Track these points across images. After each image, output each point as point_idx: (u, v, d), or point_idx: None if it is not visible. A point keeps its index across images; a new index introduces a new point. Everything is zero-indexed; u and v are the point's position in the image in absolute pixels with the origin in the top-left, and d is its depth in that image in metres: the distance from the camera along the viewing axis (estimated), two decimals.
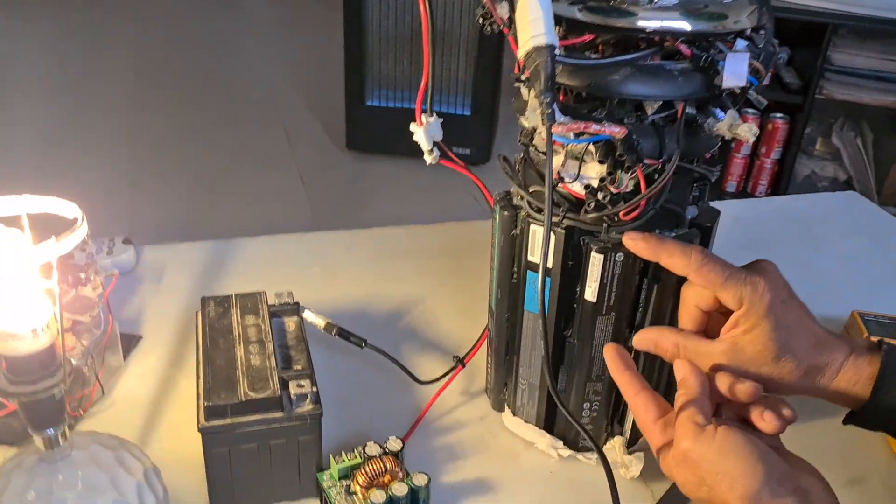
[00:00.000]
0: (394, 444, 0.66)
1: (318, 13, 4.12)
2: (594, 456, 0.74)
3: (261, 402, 0.62)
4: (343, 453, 0.66)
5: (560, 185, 0.63)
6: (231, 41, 4.00)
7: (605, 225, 0.63)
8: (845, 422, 0.62)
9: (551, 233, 0.64)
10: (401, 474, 0.64)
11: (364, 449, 0.66)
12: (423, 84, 0.66)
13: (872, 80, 2.25)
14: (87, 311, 0.72)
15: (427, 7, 0.63)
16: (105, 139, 2.95)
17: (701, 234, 0.66)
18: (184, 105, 3.29)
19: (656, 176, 0.61)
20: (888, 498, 0.73)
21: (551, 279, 0.66)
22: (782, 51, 2.32)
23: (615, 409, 0.73)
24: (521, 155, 0.69)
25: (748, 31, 0.59)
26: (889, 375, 0.58)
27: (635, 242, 0.61)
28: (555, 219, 0.64)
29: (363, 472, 0.63)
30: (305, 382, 0.64)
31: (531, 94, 0.62)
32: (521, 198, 0.68)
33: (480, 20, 0.61)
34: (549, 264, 0.61)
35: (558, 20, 0.58)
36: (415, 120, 0.68)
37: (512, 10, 0.57)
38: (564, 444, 0.74)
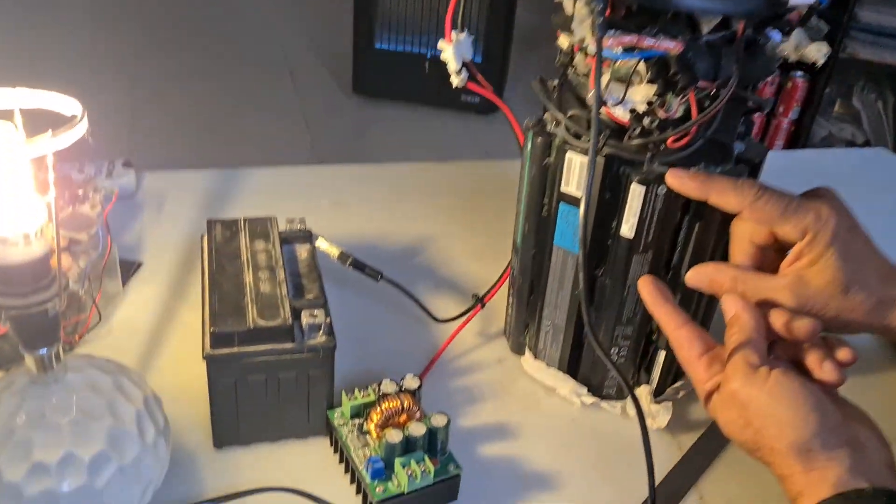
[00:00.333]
0: (411, 382, 0.62)
1: None
2: (619, 404, 0.70)
3: (270, 331, 0.58)
4: (356, 390, 0.62)
5: (601, 109, 0.58)
6: None
7: (648, 154, 0.58)
8: None
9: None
10: (418, 414, 0.60)
11: (379, 386, 0.62)
12: None
13: None
14: (85, 229, 0.68)
15: None
16: (108, 72, 2.87)
17: (749, 170, 0.62)
18: (188, 41, 3.20)
19: (707, 103, 0.56)
20: None
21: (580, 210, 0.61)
22: None
23: (643, 355, 0.68)
24: (556, 81, 0.64)
25: None
26: None
27: (681, 180, 0.57)
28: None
29: (378, 410, 0.59)
30: (319, 312, 0.59)
31: (577, 5, 0.56)
32: (556, 123, 0.63)
33: None
34: (592, 190, 0.56)
35: None
36: (444, 38, 0.63)
37: None
38: (588, 391, 0.70)
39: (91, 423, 0.50)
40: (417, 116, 2.75)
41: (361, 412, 0.62)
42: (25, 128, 0.45)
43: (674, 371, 0.70)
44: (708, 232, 0.61)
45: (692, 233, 0.61)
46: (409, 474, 0.56)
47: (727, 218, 0.62)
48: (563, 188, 0.62)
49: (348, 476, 0.60)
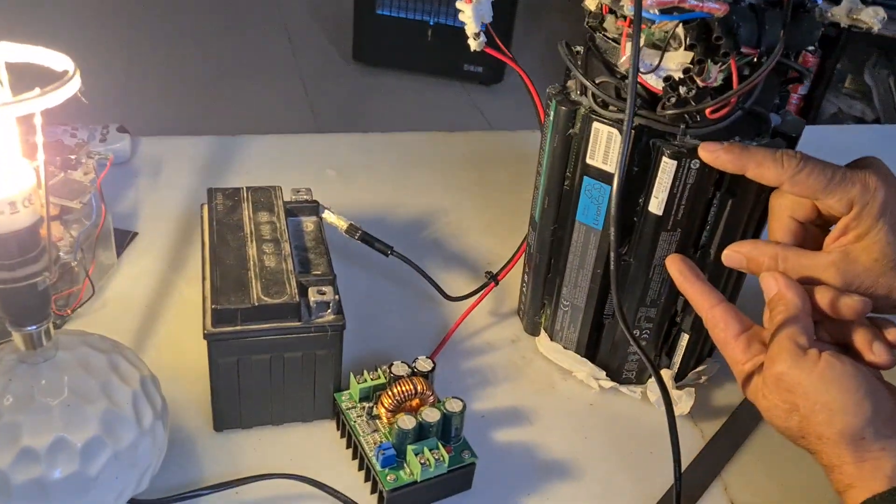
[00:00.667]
0: (424, 364, 0.59)
1: None
2: (638, 389, 0.66)
3: (276, 309, 0.54)
4: (365, 372, 0.59)
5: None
6: None
7: (682, 126, 0.54)
8: None
9: (617, 132, 0.56)
10: (432, 398, 0.56)
11: (390, 368, 0.58)
12: None
13: None
14: (78, 196, 0.64)
15: None
16: (103, 35, 2.80)
17: (787, 144, 0.58)
18: (185, 4, 3.12)
19: (746, 71, 0.53)
20: None
21: (612, 187, 0.57)
22: None
23: (665, 338, 0.65)
24: (582, 47, 0.60)
25: None
26: None
27: (714, 154, 0.53)
28: (621, 116, 0.56)
29: (389, 394, 0.56)
30: (327, 289, 0.56)
31: None
32: (582, 91, 0.59)
33: None
34: (623, 164, 0.52)
35: None
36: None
37: None
38: (607, 375, 0.66)
39: (84, 405, 0.47)
40: (419, 86, 2.69)
41: (371, 395, 0.58)
42: (12, 87, 0.41)
43: (696, 355, 0.67)
44: (741, 209, 0.58)
45: (724, 210, 0.58)
46: (423, 462, 0.53)
47: (762, 194, 0.59)
48: (588, 160, 0.59)
49: (356, 463, 0.57)
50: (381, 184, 0.90)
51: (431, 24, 2.60)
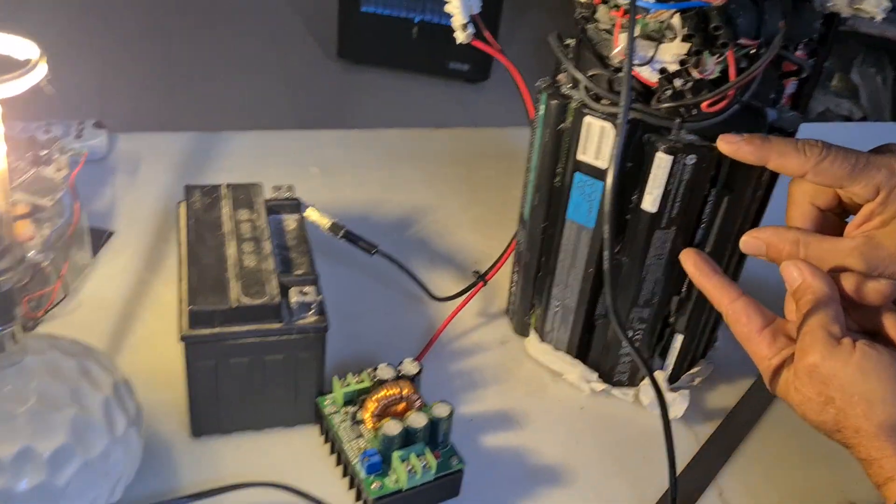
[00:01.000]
0: (410, 367, 0.56)
1: None
2: (631, 391, 0.65)
3: (256, 310, 0.52)
4: (349, 375, 0.57)
5: None
6: None
7: (677, 120, 0.53)
8: None
9: (610, 126, 0.54)
10: (418, 402, 0.54)
11: (375, 371, 0.56)
12: None
13: None
14: (49, 193, 0.61)
15: None
16: (80, 31, 2.76)
17: None
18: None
19: (743, 63, 0.51)
20: None
21: (605, 183, 0.55)
22: None
23: (658, 339, 0.63)
24: (573, 40, 0.58)
25: None
26: None
27: (736, 146, 0.51)
28: (614, 110, 0.54)
29: (374, 398, 0.54)
30: (309, 290, 0.54)
31: None
32: (573, 85, 0.57)
33: None
34: (618, 159, 0.50)
35: None
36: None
37: None
38: (598, 377, 0.65)
39: (52, 412, 0.45)
40: (404, 83, 2.67)
41: (355, 399, 0.56)
42: None
43: (690, 357, 0.65)
44: (737, 206, 0.56)
45: (720, 207, 0.56)
46: (409, 469, 0.51)
47: (759, 191, 0.57)
48: (580, 156, 0.57)
49: (340, 469, 0.55)
50: (365, 181, 0.88)
51: (416, 21, 2.57)
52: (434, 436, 0.53)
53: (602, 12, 0.54)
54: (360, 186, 0.87)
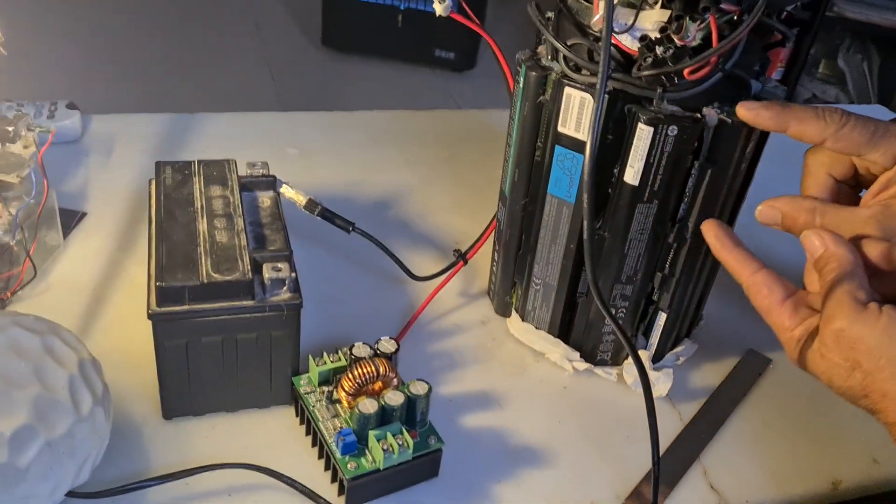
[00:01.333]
0: (387, 346, 0.55)
1: None
2: (614, 370, 0.64)
3: (227, 287, 0.50)
4: (325, 354, 0.55)
5: None
6: None
7: (659, 90, 0.51)
8: None
9: (590, 98, 0.53)
10: (395, 381, 0.53)
11: (351, 350, 0.55)
12: None
13: None
14: (16, 170, 0.59)
15: None
16: (61, 16, 2.72)
17: None
18: None
19: (726, 31, 0.50)
20: None
21: (585, 155, 0.54)
22: None
23: (642, 317, 0.62)
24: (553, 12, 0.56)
25: None
26: None
27: (755, 112, 0.51)
28: (594, 80, 0.53)
29: (349, 376, 0.52)
30: (283, 266, 0.52)
31: None
32: (553, 56, 0.56)
33: None
34: (597, 128, 0.49)
35: None
36: None
37: None
38: (581, 356, 0.64)
39: (13, 390, 0.43)
40: (389, 72, 2.65)
41: (331, 379, 0.55)
42: None
43: (674, 335, 0.64)
44: (721, 179, 0.55)
45: (703, 180, 0.55)
46: (385, 449, 0.50)
47: (742, 164, 0.56)
48: (560, 128, 0.55)
49: (316, 450, 0.54)
50: (344, 163, 0.86)
51: (402, 8, 2.55)
52: (412, 415, 0.52)
53: None
54: (339, 168, 0.85)
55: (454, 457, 0.54)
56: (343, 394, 0.52)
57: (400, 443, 0.50)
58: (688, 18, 0.48)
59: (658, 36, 0.50)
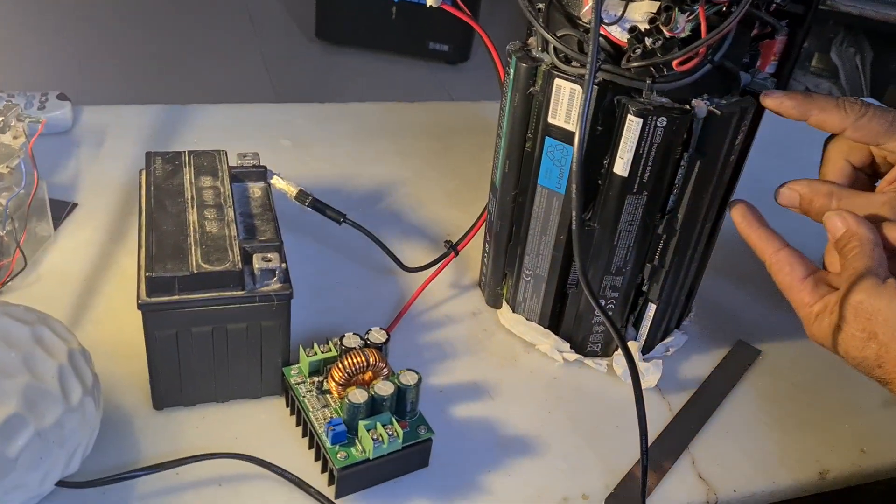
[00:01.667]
0: (377, 336, 0.55)
1: None
2: (604, 361, 0.64)
3: (217, 277, 0.50)
4: (315, 345, 0.55)
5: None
6: None
7: (648, 81, 0.51)
8: None
9: (580, 89, 0.53)
10: (385, 371, 0.53)
11: (341, 340, 0.55)
12: None
13: None
14: (5, 161, 0.59)
15: None
16: (56, 9, 2.71)
17: (757, 102, 0.55)
18: None
19: (715, 22, 0.50)
20: None
21: (574, 147, 0.54)
22: None
23: (632, 309, 0.62)
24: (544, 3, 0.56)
25: None
26: None
27: (779, 100, 0.53)
28: (584, 72, 0.53)
29: (340, 367, 0.53)
30: (273, 256, 0.52)
31: None
32: (543, 47, 0.56)
33: None
34: (585, 118, 0.49)
35: None
36: None
37: None
38: (571, 347, 0.64)
39: (2, 380, 0.43)
40: (383, 65, 2.64)
41: (321, 369, 0.55)
42: None
43: (664, 327, 0.65)
44: (710, 171, 0.55)
45: (692, 171, 0.55)
46: (375, 438, 0.50)
47: (731, 156, 0.56)
48: (550, 120, 0.55)
49: (306, 441, 0.54)
50: (337, 154, 0.86)
51: (396, 1, 2.55)
52: (402, 405, 0.52)
53: None
54: (331, 160, 0.85)
55: (444, 447, 0.55)
56: (333, 384, 0.53)
57: (390, 433, 0.50)
58: (677, 9, 0.48)
59: (647, 27, 0.50)
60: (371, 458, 0.50)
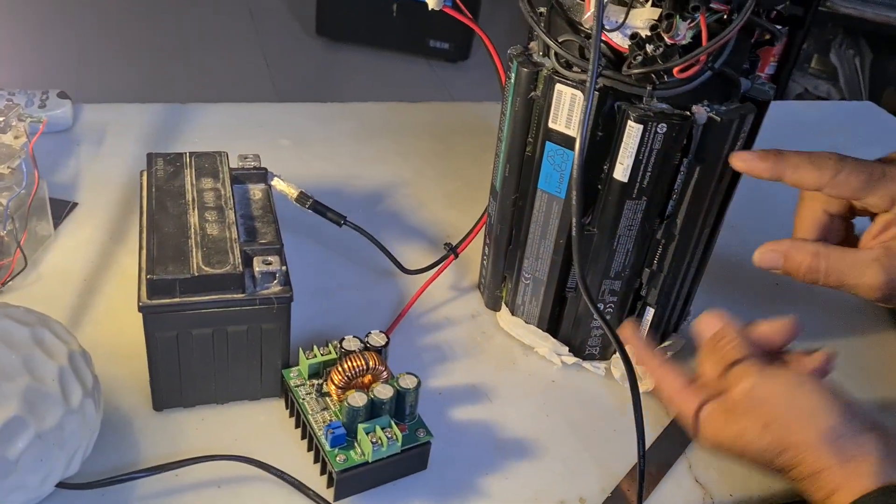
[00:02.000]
0: (377, 339, 0.55)
1: None
2: (602, 365, 0.64)
3: (217, 279, 0.51)
4: (315, 347, 0.56)
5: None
6: None
7: (648, 87, 0.52)
8: None
9: (581, 94, 0.53)
10: (385, 374, 0.53)
11: (341, 343, 0.55)
12: None
13: None
14: (6, 161, 0.59)
15: None
16: (55, 5, 2.70)
17: (757, 109, 0.55)
18: None
19: (716, 29, 0.50)
20: None
21: (575, 153, 0.54)
22: None
23: (630, 312, 0.63)
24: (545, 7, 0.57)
25: None
26: None
27: (749, 163, 0.52)
28: (585, 77, 0.53)
29: (339, 369, 0.53)
30: (273, 259, 0.52)
31: None
32: (544, 52, 0.56)
33: None
34: (586, 124, 0.49)
35: None
36: None
37: None
38: (569, 351, 0.64)
39: (2, 382, 0.43)
40: (383, 62, 2.64)
41: (321, 372, 0.55)
42: None
43: (662, 330, 0.65)
44: (709, 177, 0.56)
45: (691, 178, 0.55)
46: (374, 442, 0.50)
47: (727, 161, 0.56)
48: (551, 125, 0.56)
49: (305, 443, 0.54)
50: (337, 155, 0.87)
51: None
52: (401, 408, 0.53)
53: None
54: (332, 160, 0.85)
55: (443, 450, 0.55)
56: (333, 387, 0.53)
57: (389, 436, 0.50)
58: (678, 17, 0.48)
59: (648, 34, 0.50)
60: (370, 460, 0.50)
